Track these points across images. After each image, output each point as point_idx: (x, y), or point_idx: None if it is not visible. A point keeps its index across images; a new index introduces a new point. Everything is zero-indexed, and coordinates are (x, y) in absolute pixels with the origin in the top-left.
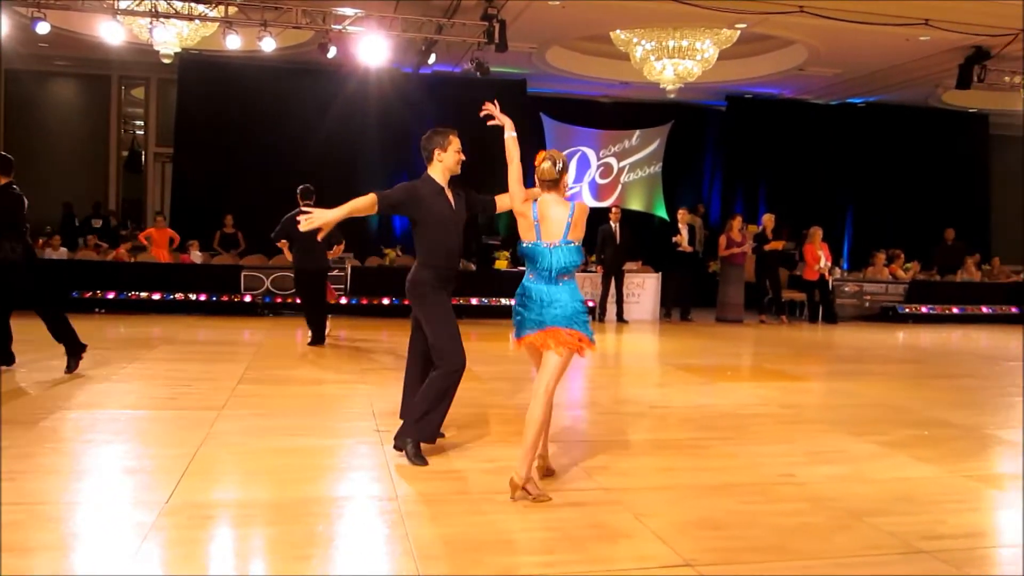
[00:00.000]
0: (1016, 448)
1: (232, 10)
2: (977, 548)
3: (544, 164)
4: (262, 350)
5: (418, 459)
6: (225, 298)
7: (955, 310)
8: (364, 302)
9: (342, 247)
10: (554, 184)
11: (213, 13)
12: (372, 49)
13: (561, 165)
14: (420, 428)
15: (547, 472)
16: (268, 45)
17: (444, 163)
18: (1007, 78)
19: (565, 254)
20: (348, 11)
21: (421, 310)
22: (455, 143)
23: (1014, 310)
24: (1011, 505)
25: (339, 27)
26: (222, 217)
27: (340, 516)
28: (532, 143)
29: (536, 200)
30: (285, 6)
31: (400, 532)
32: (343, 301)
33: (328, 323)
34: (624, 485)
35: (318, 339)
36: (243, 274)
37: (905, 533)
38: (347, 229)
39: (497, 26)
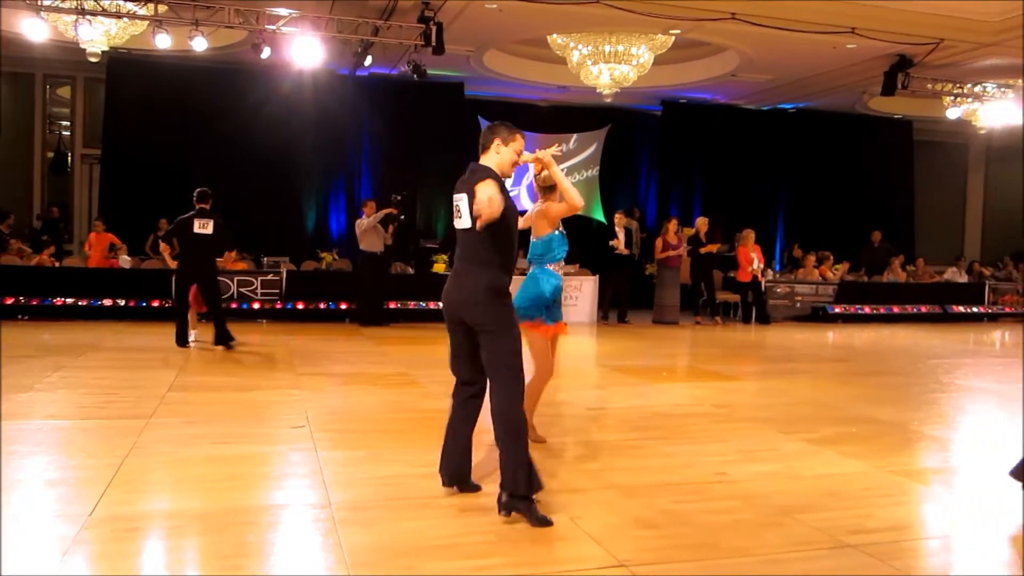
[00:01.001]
0: (938, 443)
1: (162, 8)
2: (903, 541)
3: (543, 172)
4: (193, 356)
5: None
6: (156, 303)
7: (882, 310)
8: (300, 306)
9: (234, 254)
10: (551, 190)
11: (142, 11)
12: (307, 50)
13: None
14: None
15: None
16: (200, 45)
17: (501, 157)
18: (929, 85)
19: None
20: (282, 11)
21: (500, 322)
22: (519, 144)
23: (937, 309)
24: (935, 499)
25: (273, 27)
26: (155, 220)
27: (272, 525)
28: (469, 146)
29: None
30: (217, 5)
31: (333, 540)
32: (277, 306)
33: (194, 329)
34: (559, 487)
35: (223, 338)
36: (174, 278)
37: (833, 528)
38: (282, 230)
39: (434, 28)
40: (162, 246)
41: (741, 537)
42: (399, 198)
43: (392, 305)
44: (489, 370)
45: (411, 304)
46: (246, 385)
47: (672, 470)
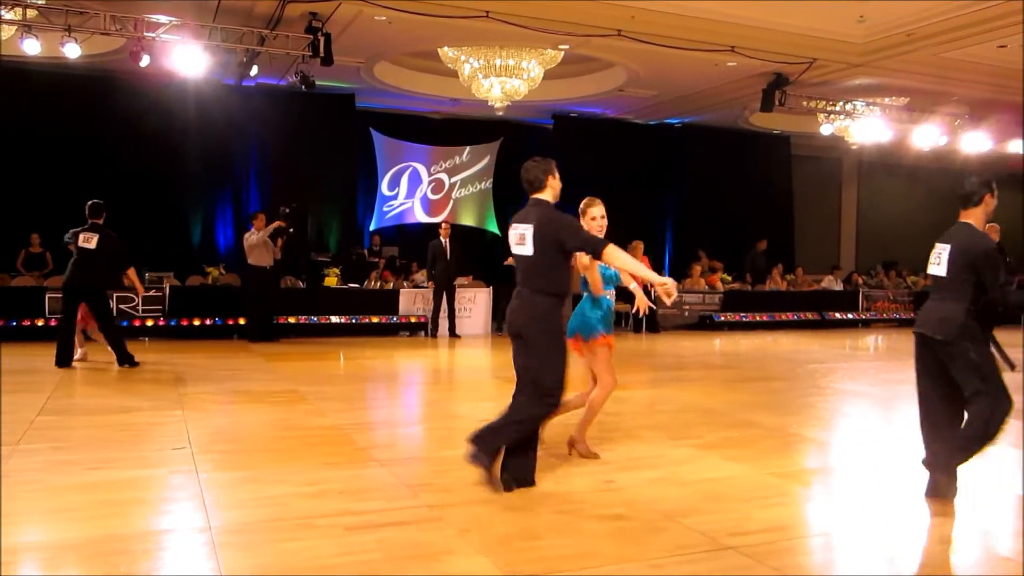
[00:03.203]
0: (816, 444)
1: (32, 13)
2: (779, 541)
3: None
4: (68, 378)
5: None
6: (27, 323)
7: (765, 317)
8: (184, 323)
9: (132, 271)
10: None
11: (9, 15)
12: (189, 59)
13: None
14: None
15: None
16: (72, 51)
17: (554, 188)
18: (804, 102)
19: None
20: (162, 18)
21: (551, 342)
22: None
23: (816, 316)
24: (813, 499)
25: (152, 35)
26: (27, 235)
27: (147, 552)
28: (361, 158)
29: None
30: (92, 11)
31: (212, 565)
32: (160, 323)
33: (80, 347)
34: (448, 501)
35: (124, 358)
36: (47, 296)
37: (713, 531)
38: (166, 244)
39: (322, 39)
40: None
41: (625, 544)
42: (287, 210)
43: (282, 320)
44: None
45: (302, 319)
46: (125, 407)
47: (561, 479)
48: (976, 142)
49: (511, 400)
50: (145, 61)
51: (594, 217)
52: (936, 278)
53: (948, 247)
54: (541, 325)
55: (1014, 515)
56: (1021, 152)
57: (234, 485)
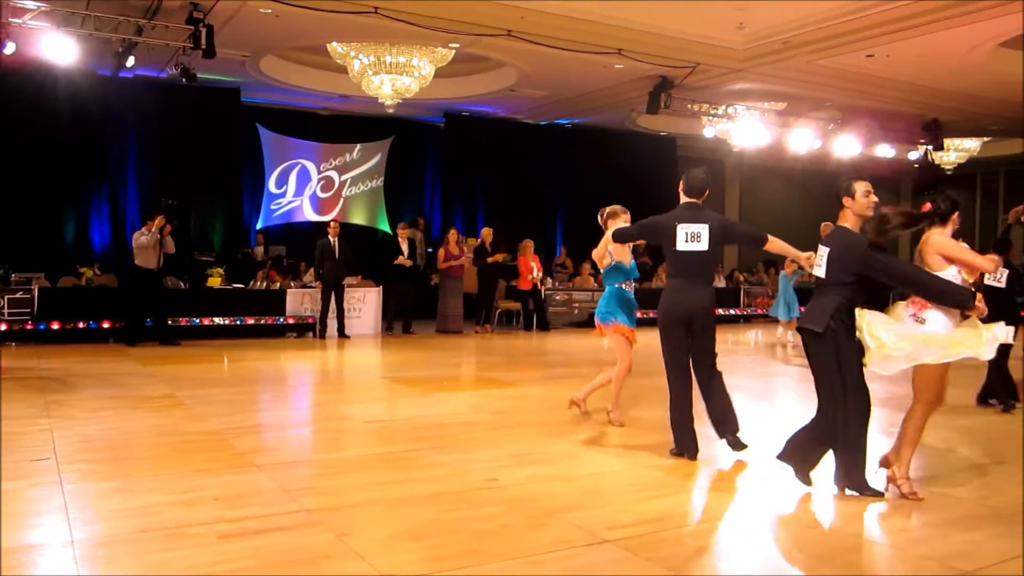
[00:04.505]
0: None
1: None
2: (656, 532)
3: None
4: None
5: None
6: None
7: (652, 314)
8: (55, 326)
9: None
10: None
11: None
12: (59, 48)
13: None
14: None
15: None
16: None
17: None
18: (689, 105)
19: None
20: (29, 3)
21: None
22: None
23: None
24: (692, 490)
25: (19, 21)
26: None
27: (5, 571)
28: (247, 155)
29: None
30: None
31: None
32: (28, 326)
33: None
34: (328, 504)
35: None
36: None
37: (592, 525)
38: (35, 243)
39: (204, 31)
40: None
41: (506, 541)
42: (170, 202)
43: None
44: (709, 357)
45: (182, 321)
46: None
47: (444, 479)
48: (846, 146)
49: (704, 387)
50: (9, 49)
51: (627, 222)
52: (816, 279)
53: (827, 251)
54: (713, 309)
55: (885, 502)
56: (885, 156)
57: (101, 496)
